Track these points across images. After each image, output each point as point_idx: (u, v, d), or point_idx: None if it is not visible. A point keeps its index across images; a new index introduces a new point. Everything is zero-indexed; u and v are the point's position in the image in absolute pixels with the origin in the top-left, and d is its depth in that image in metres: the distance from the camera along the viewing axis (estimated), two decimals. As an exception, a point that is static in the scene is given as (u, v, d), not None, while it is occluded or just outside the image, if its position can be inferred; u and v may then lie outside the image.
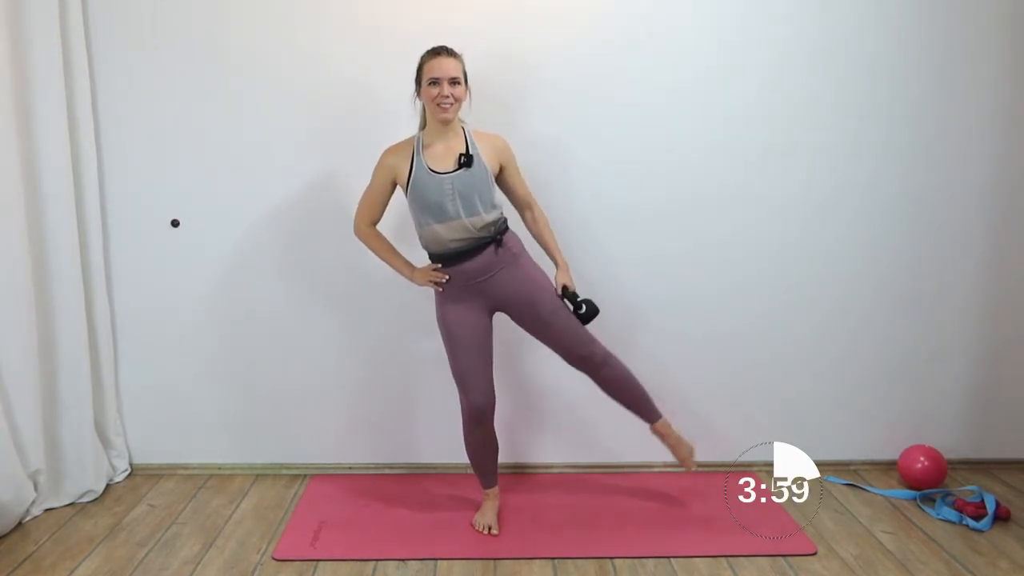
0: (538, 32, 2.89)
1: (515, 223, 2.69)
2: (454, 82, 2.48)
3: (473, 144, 2.55)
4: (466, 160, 2.51)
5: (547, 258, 2.71)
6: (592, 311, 2.60)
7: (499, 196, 2.64)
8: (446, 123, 2.52)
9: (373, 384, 3.11)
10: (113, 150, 2.96)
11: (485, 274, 2.57)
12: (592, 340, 2.65)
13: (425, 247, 2.62)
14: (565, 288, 2.62)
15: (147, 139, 2.95)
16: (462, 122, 2.60)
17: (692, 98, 2.94)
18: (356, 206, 2.68)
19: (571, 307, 2.61)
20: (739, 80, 2.93)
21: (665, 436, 2.77)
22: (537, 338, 2.66)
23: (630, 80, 2.93)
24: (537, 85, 2.92)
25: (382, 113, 2.87)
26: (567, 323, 2.60)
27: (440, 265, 2.60)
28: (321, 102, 2.93)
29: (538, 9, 2.88)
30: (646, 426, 2.74)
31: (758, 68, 2.93)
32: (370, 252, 2.72)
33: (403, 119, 2.70)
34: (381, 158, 2.60)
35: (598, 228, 3.00)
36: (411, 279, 2.67)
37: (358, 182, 2.71)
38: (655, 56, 2.92)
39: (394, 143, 2.61)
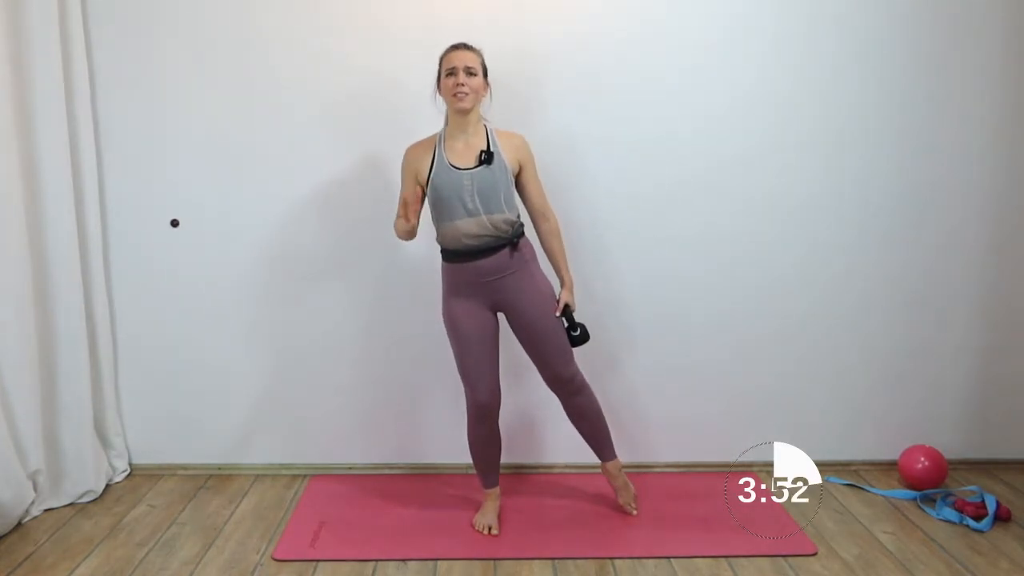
0: (537, 29, 2.89)
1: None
2: (470, 72, 2.48)
3: (494, 142, 2.55)
4: (486, 157, 2.50)
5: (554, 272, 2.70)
6: (585, 336, 2.62)
7: (518, 199, 2.63)
8: (464, 113, 2.51)
9: (373, 384, 3.11)
10: (113, 150, 2.96)
11: (496, 275, 2.55)
12: (575, 364, 2.65)
13: (441, 243, 2.60)
14: (566, 307, 2.62)
15: (147, 139, 2.95)
16: (484, 119, 2.60)
17: (694, 97, 2.93)
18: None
19: (567, 326, 2.62)
20: (729, 74, 2.92)
21: (614, 477, 2.78)
22: (525, 347, 2.65)
23: (627, 79, 2.92)
24: (537, 82, 2.91)
25: (387, 112, 2.87)
26: (559, 342, 2.60)
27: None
28: (323, 101, 2.92)
29: (540, 7, 2.88)
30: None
31: (755, 67, 2.93)
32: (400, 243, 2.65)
33: (408, 119, 2.71)
34: (403, 157, 2.60)
35: (595, 225, 2.99)
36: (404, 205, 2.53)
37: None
38: (649, 54, 2.91)
39: (415, 141, 2.61)
